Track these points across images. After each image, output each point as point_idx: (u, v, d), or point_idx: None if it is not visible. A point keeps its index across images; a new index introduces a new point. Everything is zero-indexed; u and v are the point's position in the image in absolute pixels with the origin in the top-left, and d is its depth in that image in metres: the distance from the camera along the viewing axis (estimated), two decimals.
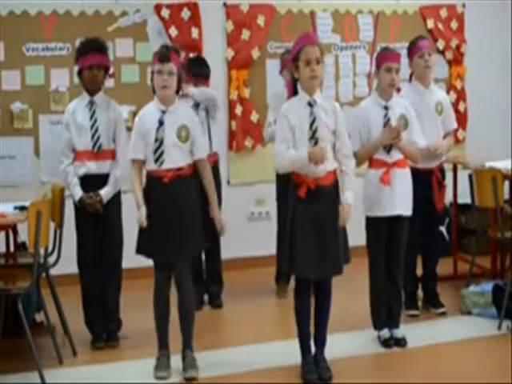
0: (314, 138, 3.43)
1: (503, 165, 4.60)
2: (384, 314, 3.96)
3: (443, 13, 6.08)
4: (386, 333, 3.94)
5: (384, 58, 3.90)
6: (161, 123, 3.59)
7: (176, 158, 3.59)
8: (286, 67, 4.63)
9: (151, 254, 3.64)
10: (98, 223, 3.99)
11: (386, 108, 3.89)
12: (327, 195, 3.47)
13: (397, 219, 3.87)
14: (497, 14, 6.19)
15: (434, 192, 4.31)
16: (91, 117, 3.99)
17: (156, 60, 3.62)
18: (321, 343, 3.60)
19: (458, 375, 3.57)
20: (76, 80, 5.05)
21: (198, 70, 4.65)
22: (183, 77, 3.75)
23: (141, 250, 3.66)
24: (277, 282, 4.95)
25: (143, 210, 3.56)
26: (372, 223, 3.90)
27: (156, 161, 3.57)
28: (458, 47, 6.09)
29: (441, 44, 6.01)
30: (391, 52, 3.98)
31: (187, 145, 3.62)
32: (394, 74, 3.86)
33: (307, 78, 3.43)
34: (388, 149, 3.86)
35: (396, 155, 3.86)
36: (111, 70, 4.21)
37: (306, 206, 3.43)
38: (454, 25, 6.11)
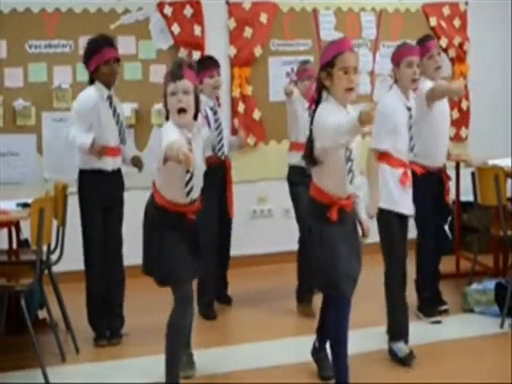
0: (350, 160, 3.12)
1: (506, 163, 4.60)
2: (406, 321, 3.76)
3: (446, 11, 6.07)
4: (404, 347, 3.72)
5: (404, 53, 3.75)
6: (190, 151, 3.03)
7: (199, 186, 3.24)
8: (300, 78, 4.55)
9: (182, 278, 3.26)
10: (105, 219, 4.00)
11: (409, 109, 3.76)
12: (351, 213, 3.28)
13: (404, 218, 3.79)
14: (499, 11, 6.18)
15: (444, 185, 4.29)
16: (114, 112, 4.01)
17: (169, 79, 3.14)
18: (324, 341, 3.57)
19: (460, 373, 3.57)
20: (79, 77, 5.13)
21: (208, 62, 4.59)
22: (200, 99, 3.27)
23: (170, 277, 3.25)
24: (300, 300, 4.55)
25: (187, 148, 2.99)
26: (386, 217, 3.72)
27: (188, 194, 3.17)
28: (460, 45, 6.08)
29: (444, 42, 6.00)
30: (410, 45, 3.89)
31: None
32: (416, 67, 3.72)
33: (343, 89, 3.05)
34: (413, 153, 3.78)
35: (410, 156, 3.80)
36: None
37: (335, 226, 3.16)
38: (456, 23, 6.10)
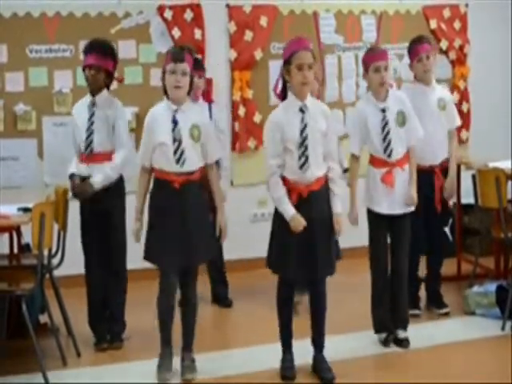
0: (303, 146, 3.43)
1: (506, 165, 4.60)
2: (386, 315, 3.94)
3: (446, 13, 6.07)
4: (383, 335, 3.95)
5: (370, 58, 3.88)
6: (175, 123, 3.53)
7: (193, 160, 3.54)
8: None
9: (161, 261, 3.56)
10: (102, 225, 3.99)
11: (383, 111, 3.86)
12: (318, 199, 3.48)
13: (398, 217, 3.89)
14: (500, 14, 6.17)
15: (435, 192, 4.30)
16: (89, 119, 4.01)
17: (169, 59, 3.53)
18: (319, 344, 3.61)
19: (461, 376, 3.57)
20: (79, 81, 5.14)
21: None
22: (194, 77, 3.69)
23: (150, 256, 3.59)
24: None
25: (139, 225, 3.58)
26: (372, 216, 3.92)
27: (177, 161, 3.50)
28: (461, 47, 6.07)
29: (444, 44, 6.00)
30: (376, 51, 3.98)
31: (198, 145, 3.56)
32: (383, 71, 3.82)
33: (299, 84, 3.42)
34: (389, 153, 3.85)
35: (396, 155, 3.86)
36: (116, 74, 4.17)
37: (297, 210, 3.44)
38: (457, 25, 6.10)
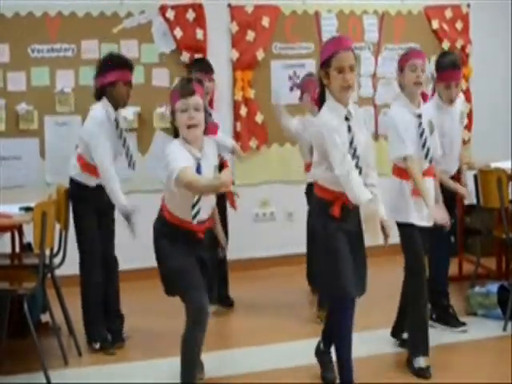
0: (355, 156, 3.13)
1: (508, 165, 4.60)
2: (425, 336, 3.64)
3: (448, 13, 6.07)
4: (423, 361, 3.61)
5: (408, 56, 3.67)
6: (199, 173, 3.05)
7: (208, 207, 3.18)
8: (306, 91, 4.51)
9: (198, 299, 3.14)
10: (99, 223, 4.00)
11: (419, 116, 3.66)
12: (355, 211, 3.26)
13: (423, 230, 3.68)
14: (502, 14, 6.17)
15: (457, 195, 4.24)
16: (120, 135, 3.96)
17: (176, 96, 3.11)
18: (329, 344, 3.53)
19: (463, 376, 3.56)
20: (81, 81, 5.15)
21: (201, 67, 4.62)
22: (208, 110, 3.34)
23: (180, 286, 3.18)
24: (320, 306, 4.34)
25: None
26: (407, 229, 3.64)
27: (194, 217, 3.08)
28: (463, 48, 6.07)
29: (446, 45, 6.00)
30: (415, 49, 3.87)
31: None
32: (420, 71, 3.62)
33: (340, 88, 3.11)
34: (430, 159, 3.64)
35: (425, 164, 3.67)
36: None
37: (337, 223, 3.19)
38: (458, 25, 6.10)
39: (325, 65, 3.14)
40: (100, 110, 3.92)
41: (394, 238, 3.49)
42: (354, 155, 3.14)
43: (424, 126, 3.66)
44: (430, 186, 3.65)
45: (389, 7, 5.92)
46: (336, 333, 3.32)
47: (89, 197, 3.97)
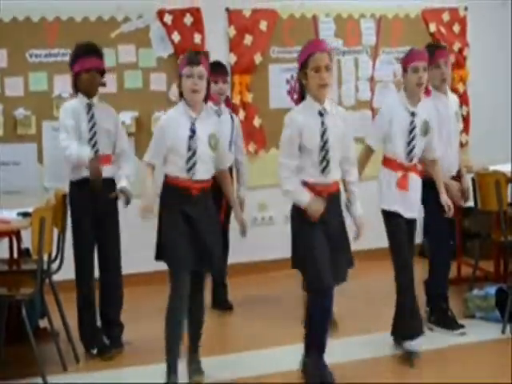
0: (324, 149, 3.37)
1: (506, 168, 4.60)
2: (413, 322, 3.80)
3: (445, 16, 6.08)
4: (411, 345, 3.78)
5: (410, 58, 3.83)
6: (193, 132, 3.44)
7: (206, 169, 3.49)
8: None
9: (175, 260, 3.45)
10: (98, 230, 3.98)
11: (412, 114, 3.80)
12: (335, 201, 3.44)
13: (409, 222, 3.86)
14: (499, 17, 6.18)
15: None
16: (89, 120, 3.96)
17: (185, 63, 3.47)
18: (321, 348, 3.57)
19: (461, 379, 3.56)
20: None
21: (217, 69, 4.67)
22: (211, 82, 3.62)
23: (163, 255, 3.48)
24: None
25: (150, 202, 3.40)
26: (391, 217, 3.83)
27: (188, 170, 3.43)
28: (460, 51, 6.08)
29: None
30: (417, 51, 3.94)
31: (214, 154, 3.52)
32: (422, 72, 3.77)
33: (316, 86, 3.35)
34: (411, 158, 3.81)
35: (415, 160, 3.84)
36: (104, 79, 4.14)
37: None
38: (456, 28, 6.11)
39: (303, 66, 3.38)
40: (71, 100, 4.06)
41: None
42: (323, 148, 3.37)
43: (416, 124, 3.80)
44: (415, 182, 3.83)
45: (386, 11, 5.93)
46: (311, 319, 3.46)
47: (87, 196, 3.90)
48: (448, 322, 4.19)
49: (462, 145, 5.88)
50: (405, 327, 3.82)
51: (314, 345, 3.50)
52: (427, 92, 3.93)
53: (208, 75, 3.49)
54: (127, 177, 4.00)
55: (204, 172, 3.48)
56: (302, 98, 3.44)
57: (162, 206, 3.51)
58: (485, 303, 4.34)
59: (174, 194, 3.48)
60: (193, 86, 3.42)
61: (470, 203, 4.75)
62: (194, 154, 3.43)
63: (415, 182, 3.87)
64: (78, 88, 4.00)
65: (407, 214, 3.84)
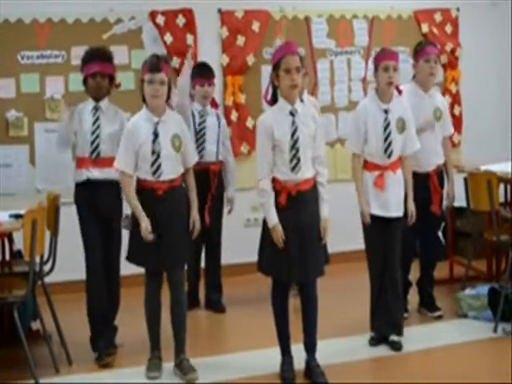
0: (294, 148, 3.47)
1: (498, 168, 4.61)
2: (384, 318, 3.94)
3: (437, 17, 6.09)
4: (375, 334, 3.99)
5: (381, 57, 3.92)
6: (156, 135, 3.61)
7: (171, 170, 3.63)
8: None
9: (144, 263, 3.67)
10: (103, 231, 3.95)
11: (385, 112, 3.90)
12: (307, 200, 3.52)
13: (390, 220, 3.92)
14: (491, 17, 6.20)
15: (432, 195, 4.32)
16: (94, 123, 3.97)
17: (146, 69, 3.63)
18: (311, 348, 3.61)
19: (454, 379, 3.57)
20: (71, 87, 5.15)
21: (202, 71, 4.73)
22: (172, 85, 3.75)
23: (133, 258, 3.68)
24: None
25: (147, 223, 3.55)
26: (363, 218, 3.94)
27: (154, 173, 3.60)
28: (452, 51, 6.10)
29: None
30: (388, 51, 4.02)
31: (179, 154, 3.67)
32: (392, 71, 3.86)
33: (287, 87, 3.47)
34: (389, 154, 3.89)
35: (392, 158, 3.89)
36: (117, 81, 4.14)
37: (286, 211, 3.47)
38: (448, 29, 6.13)
39: (275, 68, 3.50)
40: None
41: None
42: (294, 147, 3.47)
43: (391, 121, 3.88)
44: (392, 180, 3.90)
45: (379, 11, 5.94)
46: (274, 314, 3.68)
47: (89, 197, 3.92)
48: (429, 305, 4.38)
49: (454, 145, 5.94)
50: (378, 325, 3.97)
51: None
52: (399, 91, 3.96)
53: (169, 78, 3.64)
54: None
55: (170, 172, 3.61)
56: (274, 99, 3.55)
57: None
58: (477, 303, 4.35)
59: (142, 196, 3.60)
60: (153, 92, 3.58)
61: (462, 203, 4.77)
62: (158, 156, 3.58)
63: (394, 180, 3.91)
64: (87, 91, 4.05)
65: (386, 214, 3.89)
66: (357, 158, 3.98)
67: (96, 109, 4.00)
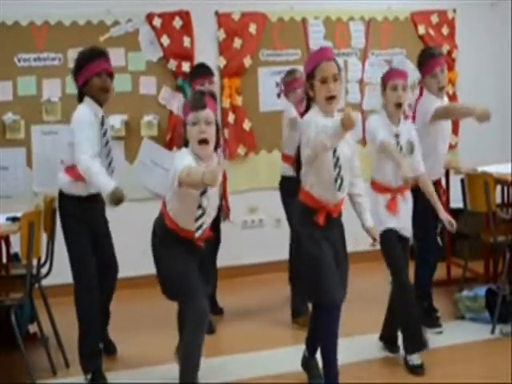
0: (337, 166, 3.20)
1: (495, 169, 4.62)
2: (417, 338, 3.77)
3: (434, 19, 6.10)
4: (417, 358, 3.73)
5: (389, 76, 3.74)
6: (204, 190, 3.07)
7: (211, 218, 3.27)
8: (290, 90, 4.45)
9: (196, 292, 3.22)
10: (96, 231, 3.83)
11: (396, 136, 3.72)
12: (338, 219, 3.34)
13: (401, 239, 3.78)
14: (487, 19, 6.21)
15: (441, 201, 4.27)
16: (104, 134, 3.66)
17: (188, 109, 3.14)
18: (313, 350, 3.57)
19: (452, 380, 3.57)
20: (68, 90, 5.13)
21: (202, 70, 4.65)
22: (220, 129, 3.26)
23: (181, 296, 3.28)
24: (296, 316, 4.46)
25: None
26: (386, 235, 3.69)
27: (197, 230, 3.14)
28: (449, 53, 6.10)
29: None
30: (397, 69, 3.90)
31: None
32: (401, 91, 3.67)
33: (324, 99, 3.16)
34: (400, 179, 3.69)
35: (400, 181, 3.72)
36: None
37: (322, 231, 3.24)
38: (445, 30, 6.13)
39: (309, 77, 3.20)
40: (83, 107, 3.66)
41: None
42: (337, 164, 3.20)
43: (402, 145, 3.73)
44: (402, 203, 3.75)
45: (375, 13, 5.94)
46: (322, 338, 3.35)
47: (79, 210, 3.70)
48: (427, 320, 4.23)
49: (451, 146, 5.94)
50: (410, 340, 3.76)
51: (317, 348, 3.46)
52: (405, 117, 3.86)
53: (217, 122, 3.16)
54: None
55: (209, 222, 3.25)
56: (307, 110, 3.27)
57: (160, 240, 3.29)
58: (475, 304, 4.35)
59: (178, 238, 3.23)
60: (200, 134, 3.07)
61: (459, 204, 4.78)
62: (203, 213, 3.13)
63: (404, 202, 3.79)
64: (88, 96, 3.66)
65: (400, 232, 3.77)
66: (387, 144, 3.61)
67: (103, 118, 3.65)
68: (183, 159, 3.04)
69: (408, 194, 3.83)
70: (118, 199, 3.39)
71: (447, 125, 4.32)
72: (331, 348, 3.30)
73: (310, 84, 3.21)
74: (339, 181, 3.22)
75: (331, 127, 3.00)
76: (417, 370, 3.69)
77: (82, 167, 3.48)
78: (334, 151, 3.18)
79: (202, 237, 3.23)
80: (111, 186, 3.38)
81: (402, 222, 3.77)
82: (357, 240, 3.90)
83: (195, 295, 3.16)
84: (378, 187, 3.78)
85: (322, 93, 3.15)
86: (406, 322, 3.74)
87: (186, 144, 3.14)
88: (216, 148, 3.16)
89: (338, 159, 3.20)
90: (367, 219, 3.39)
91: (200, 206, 3.11)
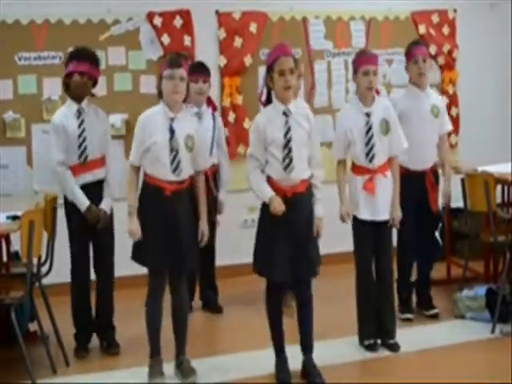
0: (287, 147, 3.49)
1: (496, 169, 4.62)
2: (372, 325, 3.94)
3: (435, 18, 6.10)
4: (370, 340, 3.96)
5: (361, 62, 3.90)
6: (172, 132, 3.56)
7: (186, 169, 3.60)
8: None
9: (149, 262, 3.60)
10: (92, 229, 3.98)
11: (367, 115, 3.87)
12: (303, 201, 3.53)
13: (381, 224, 3.90)
14: (490, 18, 6.21)
15: (429, 194, 4.33)
16: (79, 126, 3.97)
17: (166, 65, 3.61)
18: (308, 348, 3.62)
19: (452, 379, 3.57)
20: None
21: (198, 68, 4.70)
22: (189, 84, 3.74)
23: (138, 257, 3.62)
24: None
25: (136, 221, 3.54)
26: (357, 224, 3.93)
27: (174, 171, 3.55)
28: (449, 52, 6.11)
29: (433, 49, 6.02)
30: (367, 54, 4.01)
31: (191, 154, 3.61)
32: (372, 76, 3.85)
33: (281, 89, 3.48)
34: (370, 158, 3.86)
35: (378, 162, 3.87)
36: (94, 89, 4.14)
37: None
38: (445, 30, 6.14)
39: (269, 70, 3.52)
40: (59, 110, 4.08)
41: None
42: (286, 146, 3.49)
43: (373, 124, 3.86)
44: (383, 183, 3.88)
45: (376, 13, 5.95)
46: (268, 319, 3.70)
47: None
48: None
49: (451, 146, 5.96)
50: (363, 329, 3.97)
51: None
52: (377, 92, 4.01)
53: (188, 77, 3.63)
54: (107, 196, 4.04)
55: (185, 173, 3.59)
56: (269, 100, 3.57)
57: (139, 209, 3.58)
58: (475, 304, 4.35)
59: (150, 196, 3.58)
60: (174, 87, 3.55)
61: (459, 204, 4.78)
62: (177, 153, 3.55)
63: (384, 183, 3.89)
64: (68, 90, 4.03)
65: (376, 218, 3.87)
66: (341, 165, 3.99)
67: (79, 112, 4.00)
68: (134, 149, 3.61)
69: (388, 176, 3.91)
70: (94, 218, 3.91)
71: (424, 114, 4.33)
72: (273, 324, 3.66)
73: (269, 76, 3.52)
74: (287, 160, 3.47)
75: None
76: (370, 348, 3.93)
77: (56, 171, 3.96)
78: (286, 134, 3.48)
79: (174, 186, 3.53)
80: (85, 205, 3.91)
81: (380, 202, 3.86)
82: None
83: (151, 270, 3.62)
84: (356, 169, 3.92)
85: (280, 83, 3.49)
86: (362, 310, 3.94)
87: (159, 94, 3.61)
88: (185, 101, 3.65)
89: (288, 141, 3.48)
90: (316, 210, 3.58)
91: (172, 149, 3.54)
